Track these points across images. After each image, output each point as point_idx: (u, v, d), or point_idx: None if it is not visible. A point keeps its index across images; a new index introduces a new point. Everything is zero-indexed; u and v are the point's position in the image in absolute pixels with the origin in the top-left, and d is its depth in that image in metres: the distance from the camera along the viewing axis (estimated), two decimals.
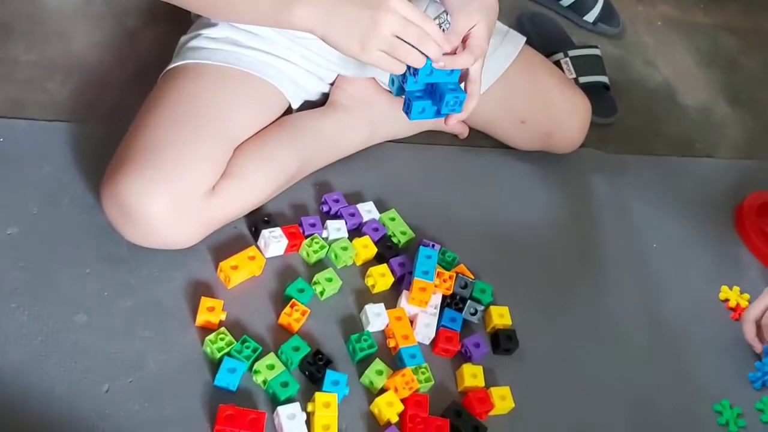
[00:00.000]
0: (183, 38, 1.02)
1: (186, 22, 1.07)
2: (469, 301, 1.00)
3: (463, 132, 1.21)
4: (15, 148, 0.99)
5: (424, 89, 0.90)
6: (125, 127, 0.94)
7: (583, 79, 1.34)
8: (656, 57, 1.59)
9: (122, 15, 1.19)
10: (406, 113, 0.91)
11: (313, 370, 0.88)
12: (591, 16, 1.53)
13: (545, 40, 1.41)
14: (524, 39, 1.16)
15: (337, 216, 1.05)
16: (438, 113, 0.91)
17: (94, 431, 0.79)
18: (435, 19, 0.96)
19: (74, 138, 1.02)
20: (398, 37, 0.83)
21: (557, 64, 1.35)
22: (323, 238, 1.01)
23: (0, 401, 0.79)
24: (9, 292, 0.86)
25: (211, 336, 0.87)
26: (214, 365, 0.86)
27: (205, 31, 0.99)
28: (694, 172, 1.36)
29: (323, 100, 1.12)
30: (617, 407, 0.99)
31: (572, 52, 1.37)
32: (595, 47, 1.40)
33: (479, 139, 1.23)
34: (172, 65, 0.98)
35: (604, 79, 1.37)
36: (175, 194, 0.86)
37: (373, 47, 0.83)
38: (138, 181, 0.85)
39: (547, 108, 1.16)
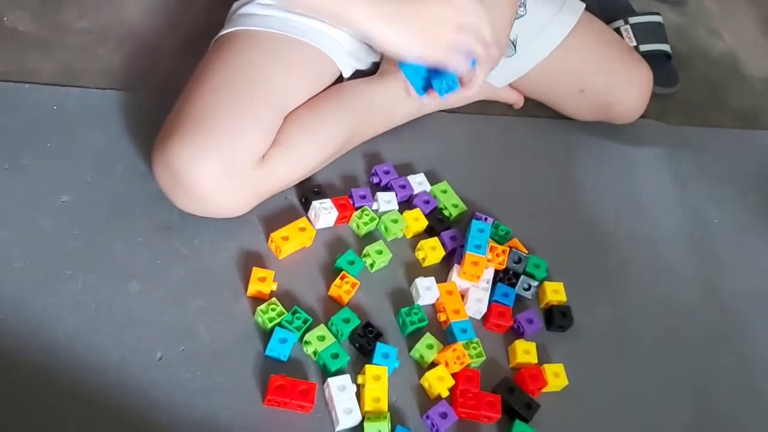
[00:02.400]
0: (235, 4, 1.00)
1: None
2: (522, 276, 0.98)
3: (519, 102, 1.18)
4: (68, 116, 1.00)
5: None
6: (177, 95, 0.93)
7: (644, 47, 1.29)
8: (720, 25, 1.52)
9: None
10: (401, 64, 0.88)
11: (364, 343, 0.87)
12: None
13: (605, 7, 1.36)
14: (583, 6, 1.12)
15: (387, 188, 1.03)
16: (427, 83, 0.89)
17: (146, 399, 0.80)
18: None
19: (127, 106, 1.02)
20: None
21: (617, 31, 1.30)
22: (373, 210, 0.99)
23: (55, 368, 0.80)
24: (64, 259, 0.87)
25: (263, 306, 0.87)
26: (265, 335, 0.86)
27: None
28: (758, 146, 1.31)
29: (374, 69, 1.09)
30: (674, 387, 0.96)
31: (633, 19, 1.31)
32: (657, 14, 1.35)
33: (535, 109, 1.19)
34: (223, 32, 0.97)
35: (665, 47, 1.32)
36: (225, 162, 0.86)
37: (442, 44, 0.83)
38: (188, 148, 0.85)
39: (607, 77, 1.12)
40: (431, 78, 0.89)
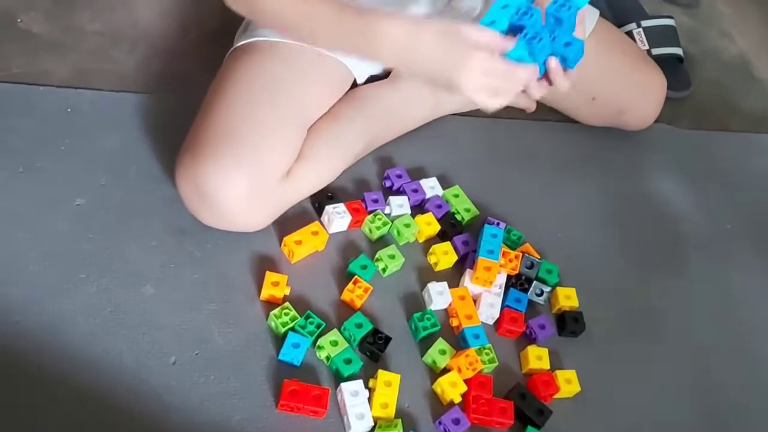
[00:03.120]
0: None
1: None
2: (535, 282, 0.98)
3: (531, 107, 1.17)
4: (82, 118, 1.00)
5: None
6: (191, 98, 0.94)
7: (656, 51, 1.29)
8: (732, 27, 1.51)
9: None
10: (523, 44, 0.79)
11: (374, 349, 0.87)
12: None
13: (617, 10, 1.35)
14: (597, 13, 1.11)
15: (399, 192, 1.03)
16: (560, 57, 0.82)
17: (160, 402, 0.80)
18: None
19: (141, 108, 1.02)
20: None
21: (629, 34, 1.29)
22: (386, 214, 1.00)
23: (69, 371, 0.80)
24: (78, 263, 0.87)
25: (276, 311, 0.87)
26: (279, 339, 0.87)
27: None
28: None
29: (386, 73, 1.09)
30: (685, 393, 0.96)
31: (645, 23, 1.31)
32: (670, 17, 1.34)
33: (547, 113, 1.19)
34: (242, 42, 0.96)
35: (678, 50, 1.31)
36: (253, 180, 0.86)
37: (474, 70, 0.77)
38: (216, 167, 0.84)
39: (620, 85, 1.12)
40: (555, 49, 0.81)
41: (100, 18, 1.11)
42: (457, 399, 0.86)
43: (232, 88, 0.90)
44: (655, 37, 1.30)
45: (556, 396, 0.90)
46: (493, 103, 0.80)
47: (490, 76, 0.78)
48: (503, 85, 0.78)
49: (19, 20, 1.08)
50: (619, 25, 1.30)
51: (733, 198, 1.19)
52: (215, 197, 0.85)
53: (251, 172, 0.85)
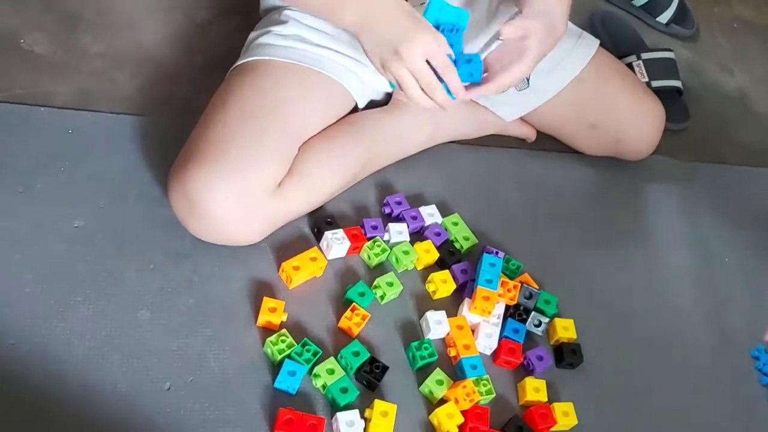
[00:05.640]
0: (252, 35, 1.01)
1: (254, 16, 1.07)
2: (533, 313, 0.97)
3: (531, 136, 1.18)
4: (83, 140, 1.00)
5: None
6: (193, 121, 0.94)
7: (655, 83, 1.29)
8: (731, 61, 1.52)
9: (191, 8, 1.19)
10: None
11: (371, 378, 0.87)
12: (664, 17, 1.47)
13: (617, 42, 1.37)
14: (597, 42, 1.12)
15: (399, 219, 1.03)
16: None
17: (154, 429, 0.79)
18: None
19: (142, 131, 1.02)
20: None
21: (629, 66, 1.30)
22: (385, 241, 0.99)
23: (63, 395, 0.79)
24: (75, 285, 0.87)
25: (272, 337, 0.86)
26: (275, 367, 0.86)
27: (275, 28, 0.98)
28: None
29: (387, 99, 1.10)
30: (684, 426, 0.96)
31: (645, 55, 1.32)
32: (669, 50, 1.35)
33: (546, 143, 1.19)
34: (240, 61, 0.97)
35: (677, 83, 1.32)
36: (241, 190, 0.86)
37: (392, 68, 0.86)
38: (205, 176, 0.85)
39: (619, 113, 1.12)
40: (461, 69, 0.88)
41: (104, 40, 1.12)
42: (454, 430, 0.86)
43: (226, 105, 0.92)
44: (655, 69, 1.31)
45: (553, 429, 0.90)
46: (413, 98, 0.88)
47: (414, 76, 0.86)
48: (419, 93, 0.87)
49: (22, 41, 1.08)
50: (620, 57, 1.30)
51: (731, 231, 1.20)
52: (201, 205, 0.86)
53: (237, 181, 0.86)
